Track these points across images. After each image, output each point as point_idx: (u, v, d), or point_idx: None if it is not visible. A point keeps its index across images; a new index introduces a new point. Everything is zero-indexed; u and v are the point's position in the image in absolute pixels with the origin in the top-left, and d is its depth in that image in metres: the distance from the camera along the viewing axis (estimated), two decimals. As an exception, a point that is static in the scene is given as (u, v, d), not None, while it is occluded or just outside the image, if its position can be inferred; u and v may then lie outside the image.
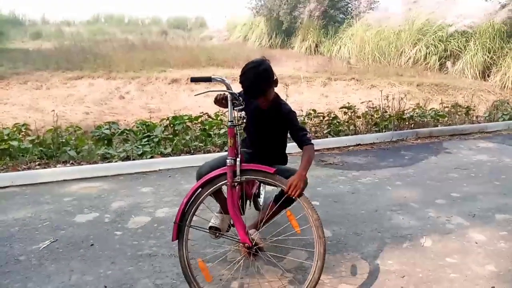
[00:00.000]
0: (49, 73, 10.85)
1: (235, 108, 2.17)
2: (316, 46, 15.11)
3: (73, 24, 22.04)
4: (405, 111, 6.29)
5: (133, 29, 20.19)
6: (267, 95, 2.34)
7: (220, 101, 2.30)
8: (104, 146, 4.55)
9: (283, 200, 2.26)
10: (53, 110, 5.39)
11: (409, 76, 11.44)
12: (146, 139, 4.70)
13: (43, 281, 2.27)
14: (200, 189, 2.15)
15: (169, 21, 21.94)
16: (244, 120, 2.20)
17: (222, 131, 5.02)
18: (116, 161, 4.21)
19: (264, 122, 2.52)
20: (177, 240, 2.11)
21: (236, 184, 2.12)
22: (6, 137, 4.32)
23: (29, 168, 3.94)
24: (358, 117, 5.94)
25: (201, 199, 2.13)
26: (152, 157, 4.41)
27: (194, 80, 2.36)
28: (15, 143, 4.17)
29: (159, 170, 4.19)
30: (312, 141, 2.45)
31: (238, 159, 2.11)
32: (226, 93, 2.19)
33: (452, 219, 3.22)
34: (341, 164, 4.55)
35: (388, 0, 20.07)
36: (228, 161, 2.11)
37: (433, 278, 2.39)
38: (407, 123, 6.14)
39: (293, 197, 2.16)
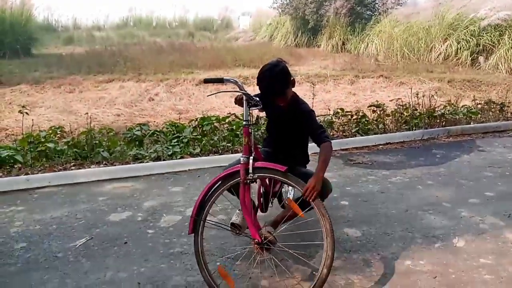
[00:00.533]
0: (81, 77, 11.19)
1: (252, 108, 2.25)
2: (343, 43, 14.95)
3: (103, 28, 22.66)
4: (436, 109, 6.14)
5: (161, 32, 20.58)
6: (283, 96, 2.37)
7: (239, 101, 2.37)
8: (135, 147, 4.67)
9: (301, 202, 2.23)
10: (87, 113, 5.57)
11: (439, 73, 11.15)
12: (175, 140, 4.80)
13: (80, 277, 2.36)
14: (215, 185, 2.21)
15: (195, 23, 22.22)
16: (259, 120, 2.22)
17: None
18: (147, 162, 4.31)
19: (283, 121, 2.58)
20: (193, 234, 2.18)
21: (248, 181, 2.16)
22: (43, 140, 4.50)
23: (65, 169, 4.09)
24: (387, 115, 5.85)
25: (215, 195, 2.20)
26: (181, 157, 4.49)
27: (207, 81, 2.43)
28: (51, 145, 4.33)
29: (189, 170, 4.26)
30: (330, 140, 2.43)
31: (251, 157, 2.16)
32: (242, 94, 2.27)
33: (486, 219, 3.13)
34: (370, 163, 4.50)
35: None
36: (241, 159, 2.17)
37: (466, 279, 2.34)
38: (438, 120, 5.99)
39: (309, 200, 2.13)
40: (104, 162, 4.31)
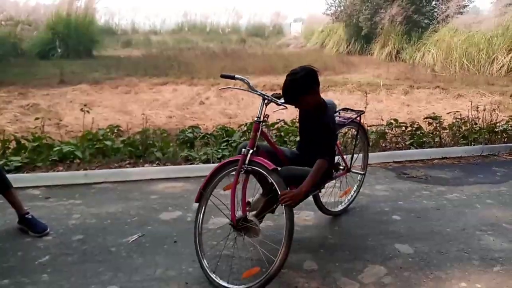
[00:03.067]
0: (137, 79, 11.64)
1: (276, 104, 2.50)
2: (397, 52, 14.54)
3: (160, 33, 23.51)
4: (497, 124, 5.79)
5: (214, 38, 21.04)
6: (301, 103, 2.49)
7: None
8: (187, 148, 4.79)
9: (271, 198, 2.47)
10: (143, 114, 5.77)
11: (501, 86, 10.54)
12: (225, 144, 4.87)
13: (131, 273, 2.44)
14: (220, 169, 2.48)
15: (247, 29, 22.51)
16: (266, 119, 2.54)
17: (298, 137, 5.02)
18: (197, 163, 4.40)
19: (306, 128, 2.74)
20: (198, 203, 2.52)
21: (242, 170, 2.39)
22: (101, 137, 4.72)
23: (120, 167, 4.26)
24: (444, 128, 5.58)
25: (218, 177, 2.49)
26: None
27: (223, 76, 2.69)
28: (108, 143, 4.53)
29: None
30: (328, 158, 2.51)
31: (251, 150, 2.39)
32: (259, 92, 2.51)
33: (553, 245, 2.90)
34: (425, 177, 4.32)
35: (479, 4, 18.73)
36: (243, 150, 2.42)
37: (530, 308, 2.18)
38: (499, 136, 5.64)
39: (281, 203, 2.30)
40: (157, 162, 4.44)
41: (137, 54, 16.17)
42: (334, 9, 16.52)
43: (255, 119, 2.50)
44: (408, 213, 3.40)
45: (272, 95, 2.57)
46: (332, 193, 3.26)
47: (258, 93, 2.54)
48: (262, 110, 2.51)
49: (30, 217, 2.86)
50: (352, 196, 3.49)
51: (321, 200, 3.16)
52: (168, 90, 10.73)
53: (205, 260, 2.44)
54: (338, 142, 3.12)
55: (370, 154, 3.92)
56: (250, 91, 2.57)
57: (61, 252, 2.64)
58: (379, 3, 15.20)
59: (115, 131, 5.32)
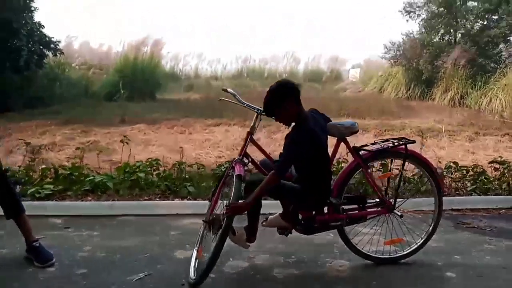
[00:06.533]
0: (193, 120, 11.86)
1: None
2: (461, 97, 13.60)
3: (220, 78, 24.30)
4: None
5: (271, 82, 21.07)
6: (277, 115, 2.57)
7: None
8: (221, 184, 4.53)
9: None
10: (181, 147, 5.68)
11: None
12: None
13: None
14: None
15: (305, 74, 22.57)
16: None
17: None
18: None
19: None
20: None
21: (229, 176, 2.74)
22: (137, 170, 4.61)
23: (150, 200, 4.08)
24: (514, 175, 4.86)
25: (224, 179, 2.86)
26: (265, 199, 4.20)
27: (223, 89, 3.01)
28: (142, 174, 4.41)
29: (269, 213, 3.93)
30: (278, 170, 2.50)
31: (237, 159, 2.70)
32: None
33: None
34: (489, 229, 3.67)
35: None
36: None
37: None
38: None
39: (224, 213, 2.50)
40: (188, 197, 4.22)
41: (196, 97, 16.68)
42: (393, 53, 16.01)
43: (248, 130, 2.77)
44: (466, 271, 2.82)
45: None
46: (371, 239, 2.80)
47: (245, 105, 2.89)
48: (254, 121, 2.79)
49: (37, 245, 2.71)
50: (409, 249, 2.95)
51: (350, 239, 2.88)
52: (221, 131, 10.76)
53: None
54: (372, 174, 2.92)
55: (423, 199, 3.44)
56: (239, 104, 2.87)
57: (59, 286, 2.42)
58: (440, 46, 14.53)
59: (155, 164, 5.23)
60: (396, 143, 2.80)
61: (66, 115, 10.78)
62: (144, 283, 2.49)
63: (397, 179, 2.93)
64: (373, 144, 2.89)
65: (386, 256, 2.90)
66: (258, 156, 2.95)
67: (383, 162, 3.57)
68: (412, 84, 15.22)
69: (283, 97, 2.52)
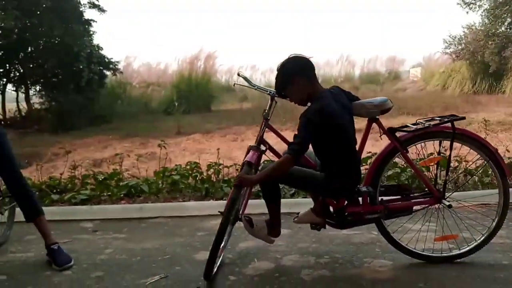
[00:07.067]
0: (245, 127, 11.83)
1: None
2: (537, 88, 12.26)
3: (272, 86, 24.22)
4: None
5: (326, 86, 20.70)
6: (288, 94, 2.40)
7: None
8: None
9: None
10: (218, 149, 5.52)
11: None
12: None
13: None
14: None
15: (361, 77, 21.79)
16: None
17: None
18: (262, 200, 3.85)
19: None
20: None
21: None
22: (174, 173, 4.51)
23: (183, 201, 3.94)
24: None
25: None
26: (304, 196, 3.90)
27: (238, 74, 2.93)
28: (177, 177, 4.31)
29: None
30: (293, 154, 2.24)
31: (253, 147, 2.58)
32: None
33: None
34: None
35: None
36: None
37: None
38: None
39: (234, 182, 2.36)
40: (224, 198, 4.02)
41: (249, 107, 16.69)
42: (454, 47, 14.85)
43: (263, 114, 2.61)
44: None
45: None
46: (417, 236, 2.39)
47: (256, 87, 2.80)
48: (269, 105, 2.64)
49: (55, 247, 2.64)
50: (467, 247, 2.52)
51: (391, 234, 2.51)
52: (273, 137, 10.55)
53: None
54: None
55: (486, 190, 2.96)
56: (251, 87, 2.81)
57: (71, 290, 2.29)
58: (507, 35, 13.25)
59: (194, 167, 5.12)
60: (440, 121, 2.37)
61: (126, 130, 11.20)
62: (159, 286, 2.31)
63: (447, 164, 2.49)
64: (414, 124, 2.48)
65: (437, 254, 2.46)
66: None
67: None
68: (478, 78, 14.02)
69: (294, 73, 2.31)
